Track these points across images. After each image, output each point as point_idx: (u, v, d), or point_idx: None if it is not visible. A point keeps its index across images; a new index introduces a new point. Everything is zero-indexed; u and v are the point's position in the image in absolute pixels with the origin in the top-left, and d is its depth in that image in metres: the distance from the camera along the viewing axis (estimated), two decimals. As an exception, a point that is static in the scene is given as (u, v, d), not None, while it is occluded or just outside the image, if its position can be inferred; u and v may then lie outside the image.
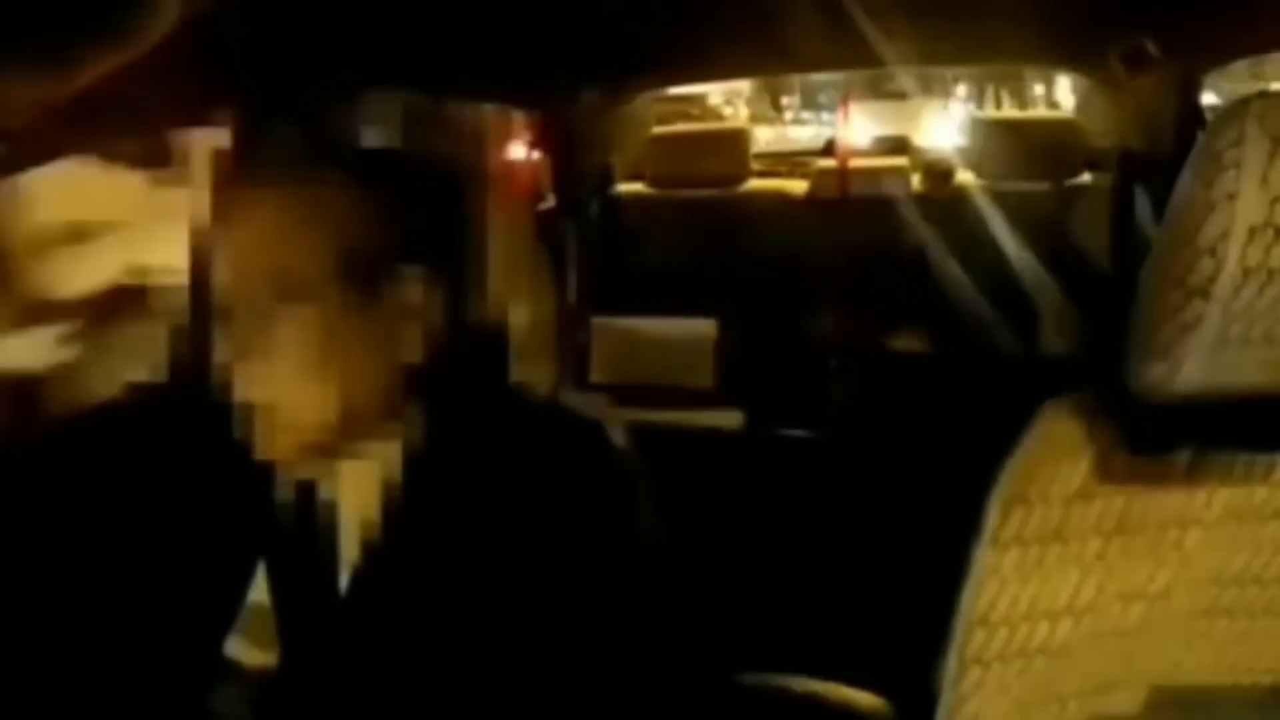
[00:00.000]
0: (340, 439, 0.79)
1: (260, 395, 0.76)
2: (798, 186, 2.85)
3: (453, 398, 0.82)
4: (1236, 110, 0.72)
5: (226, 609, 0.87)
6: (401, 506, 0.81)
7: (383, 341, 0.79)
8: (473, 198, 0.83)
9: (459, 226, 0.82)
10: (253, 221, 0.75)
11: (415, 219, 0.81)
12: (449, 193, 0.83)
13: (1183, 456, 0.85)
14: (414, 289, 0.79)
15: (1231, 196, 0.71)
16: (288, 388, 0.76)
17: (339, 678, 0.82)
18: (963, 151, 2.83)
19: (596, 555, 0.80)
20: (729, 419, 2.20)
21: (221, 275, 0.76)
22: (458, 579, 0.79)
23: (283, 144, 0.78)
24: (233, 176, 0.76)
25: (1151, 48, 1.82)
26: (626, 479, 0.88)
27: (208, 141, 0.79)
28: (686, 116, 5.22)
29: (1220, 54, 1.79)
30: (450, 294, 0.81)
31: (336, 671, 0.82)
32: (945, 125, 6.45)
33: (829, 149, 3.88)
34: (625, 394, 1.96)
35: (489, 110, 1.82)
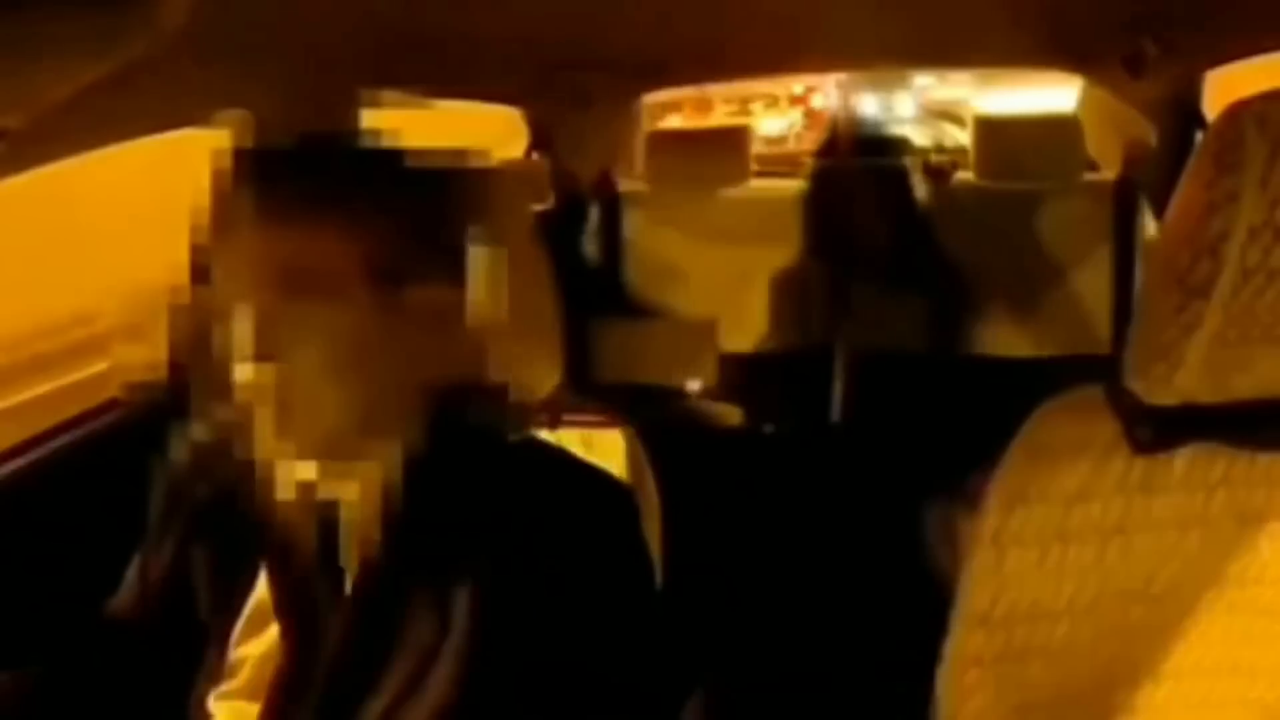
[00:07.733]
0: (350, 441, 0.79)
1: (279, 394, 0.76)
2: (797, 187, 2.85)
3: (457, 403, 0.83)
4: (1236, 112, 0.72)
5: (228, 609, 0.87)
6: (402, 508, 0.81)
7: (403, 348, 0.79)
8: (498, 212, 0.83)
9: (483, 239, 0.83)
10: (281, 218, 0.75)
11: (444, 230, 0.81)
12: (479, 206, 0.83)
13: (1183, 456, 0.85)
14: (437, 297, 0.80)
15: (1231, 197, 0.71)
16: (307, 387, 0.76)
17: (341, 677, 0.82)
18: (962, 149, 2.83)
19: (591, 567, 0.80)
20: (729, 417, 2.21)
21: (243, 272, 0.76)
22: (456, 581, 0.79)
23: (319, 146, 0.78)
24: (267, 175, 0.76)
25: (1152, 48, 1.82)
26: (623, 495, 0.89)
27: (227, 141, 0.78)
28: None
29: (1220, 54, 1.79)
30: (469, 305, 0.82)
31: (338, 671, 0.82)
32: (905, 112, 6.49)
33: (829, 148, 3.89)
34: (625, 394, 1.96)
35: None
